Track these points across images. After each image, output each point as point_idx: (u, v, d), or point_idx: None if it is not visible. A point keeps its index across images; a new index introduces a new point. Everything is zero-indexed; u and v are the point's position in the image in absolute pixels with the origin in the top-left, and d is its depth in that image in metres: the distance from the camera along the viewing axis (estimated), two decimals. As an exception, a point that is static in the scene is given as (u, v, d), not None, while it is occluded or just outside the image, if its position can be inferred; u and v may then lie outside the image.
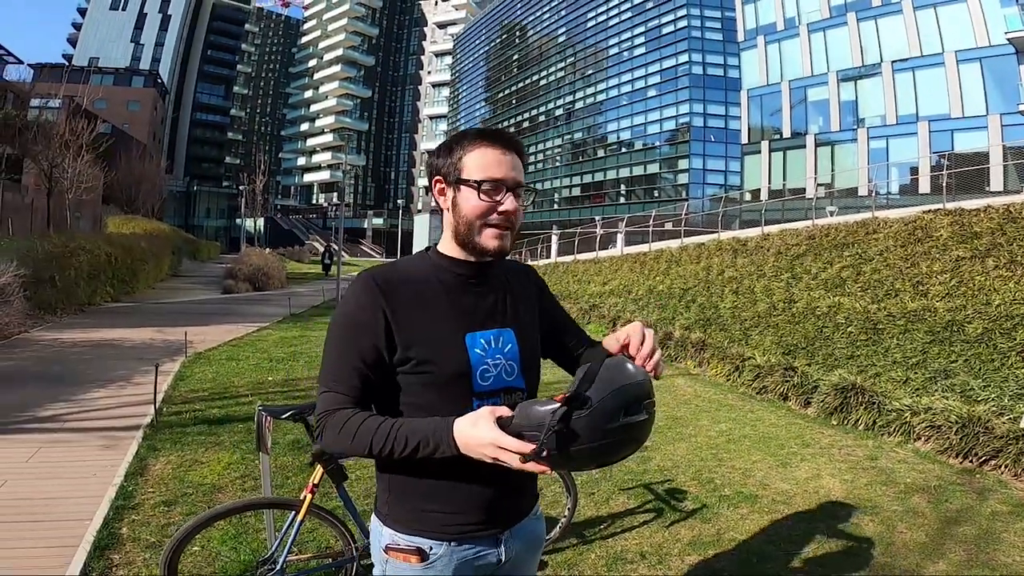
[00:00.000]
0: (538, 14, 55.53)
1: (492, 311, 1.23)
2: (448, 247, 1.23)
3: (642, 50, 43.32)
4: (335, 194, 68.43)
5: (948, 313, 6.74)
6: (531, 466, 1.00)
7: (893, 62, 24.87)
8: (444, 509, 1.18)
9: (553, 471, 1.05)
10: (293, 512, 2.29)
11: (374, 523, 1.27)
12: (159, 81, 57.09)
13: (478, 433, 1.01)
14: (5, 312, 8.51)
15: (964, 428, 4.58)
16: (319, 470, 2.29)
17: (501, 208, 1.16)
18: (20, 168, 18.65)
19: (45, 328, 9.24)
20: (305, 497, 2.26)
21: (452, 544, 1.18)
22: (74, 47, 65.76)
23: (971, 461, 4.45)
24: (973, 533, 3.34)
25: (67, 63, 52.07)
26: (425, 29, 79.83)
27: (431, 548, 1.18)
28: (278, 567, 2.26)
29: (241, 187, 49.10)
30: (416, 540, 1.18)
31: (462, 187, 1.17)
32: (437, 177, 1.22)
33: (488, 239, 1.18)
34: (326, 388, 1.15)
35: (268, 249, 37.06)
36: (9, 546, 2.80)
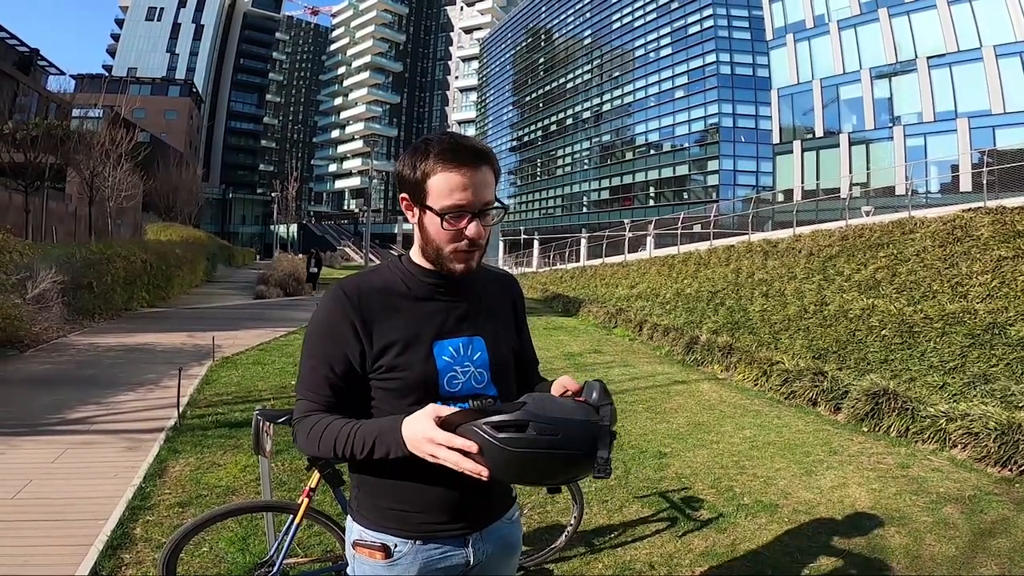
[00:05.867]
0: (563, 17, 55.59)
1: (462, 319, 1.23)
2: (418, 257, 1.23)
3: (668, 51, 43.07)
4: (364, 200, 69.66)
5: (989, 315, 6.46)
6: (468, 465, 0.98)
7: (929, 58, 24.32)
8: (409, 507, 1.19)
9: (494, 477, 1.01)
10: (291, 516, 2.30)
11: (348, 520, 1.28)
12: (194, 90, 58.72)
13: (416, 429, 1.02)
14: (45, 317, 8.77)
15: (1004, 435, 4.35)
16: (316, 475, 2.31)
17: (467, 234, 1.15)
18: (63, 177, 19.38)
19: (82, 333, 9.46)
20: (302, 501, 2.28)
21: (417, 543, 1.19)
22: (113, 58, 68.29)
23: (1010, 470, 4.23)
24: (1008, 546, 3.15)
25: (106, 73, 54.24)
26: (451, 34, 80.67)
27: (396, 545, 1.19)
28: (275, 570, 2.27)
29: (274, 194, 50.35)
30: (381, 537, 1.20)
31: (427, 211, 1.15)
32: (403, 195, 1.20)
33: (455, 264, 1.18)
34: (300, 396, 1.18)
35: (300, 255, 37.84)
36: (27, 544, 2.86)
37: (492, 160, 1.18)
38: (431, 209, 1.14)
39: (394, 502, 1.19)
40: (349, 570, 1.27)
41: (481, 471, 0.98)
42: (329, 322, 1.17)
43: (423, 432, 1.00)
